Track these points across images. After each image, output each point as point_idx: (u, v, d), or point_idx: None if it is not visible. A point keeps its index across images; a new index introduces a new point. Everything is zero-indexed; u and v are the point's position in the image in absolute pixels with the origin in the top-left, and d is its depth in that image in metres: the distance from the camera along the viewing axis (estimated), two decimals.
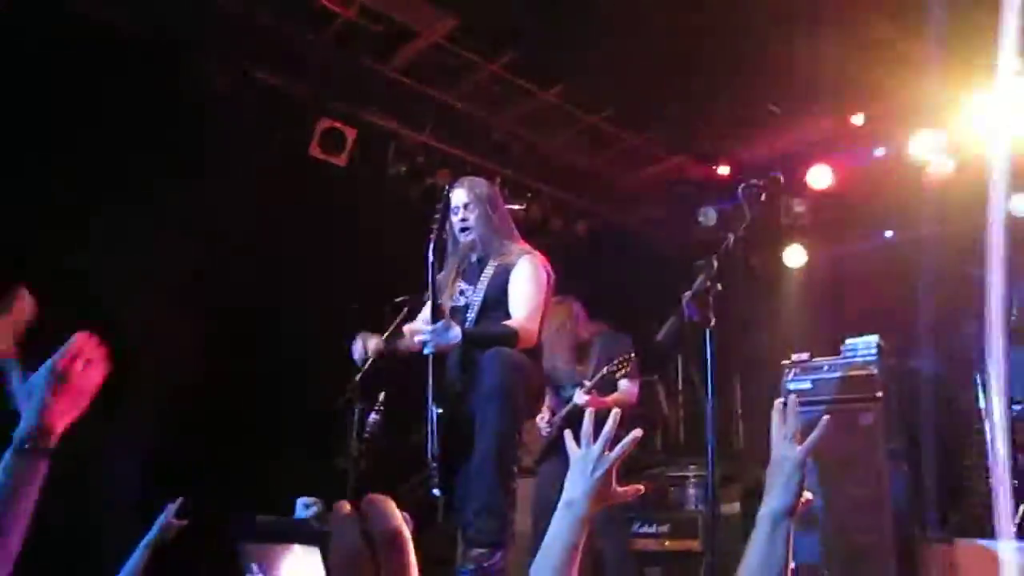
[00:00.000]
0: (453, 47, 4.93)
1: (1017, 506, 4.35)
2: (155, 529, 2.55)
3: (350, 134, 4.88)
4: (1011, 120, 4.92)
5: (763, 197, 2.37)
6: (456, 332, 2.66)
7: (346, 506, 0.85)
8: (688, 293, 2.35)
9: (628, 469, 5.28)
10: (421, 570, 0.84)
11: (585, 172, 6.26)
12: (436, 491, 2.67)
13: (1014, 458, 4.60)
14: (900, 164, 5.53)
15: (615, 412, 1.51)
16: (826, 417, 1.51)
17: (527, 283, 2.91)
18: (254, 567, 2.20)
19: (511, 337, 2.76)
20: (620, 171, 6.36)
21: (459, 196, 3.13)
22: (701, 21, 4.60)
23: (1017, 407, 4.87)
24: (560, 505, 1.52)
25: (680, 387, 6.76)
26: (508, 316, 2.90)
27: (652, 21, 4.64)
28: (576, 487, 1.50)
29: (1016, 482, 4.48)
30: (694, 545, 4.80)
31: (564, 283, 4.44)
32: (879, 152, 5.63)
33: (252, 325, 4.48)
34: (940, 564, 4.25)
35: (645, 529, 4.95)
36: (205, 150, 4.51)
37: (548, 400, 4.23)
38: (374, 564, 0.80)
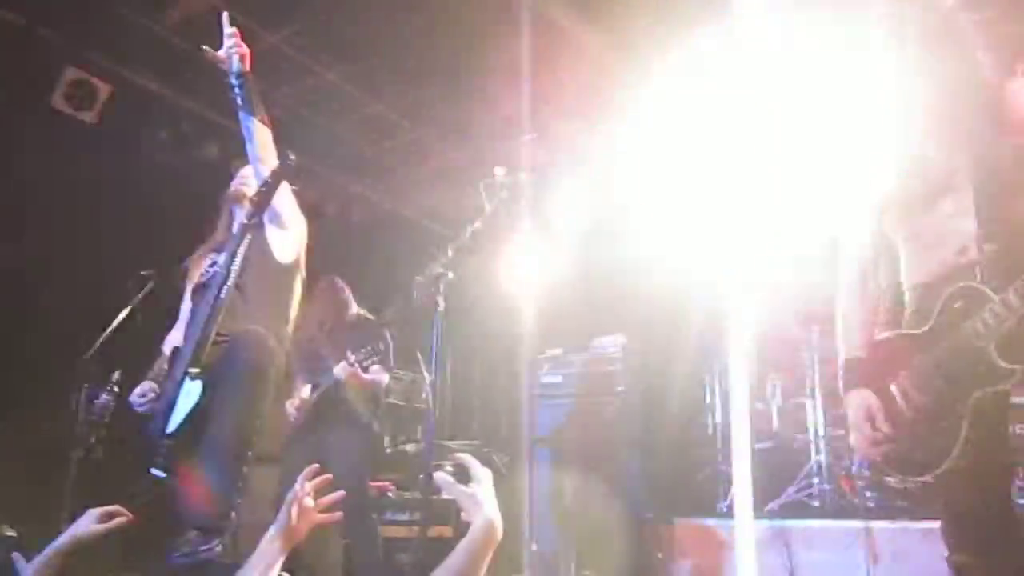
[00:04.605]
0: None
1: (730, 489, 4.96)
2: (67, 535, 2.13)
3: (103, 90, 4.44)
4: (741, 149, 5.60)
5: (504, 192, 2.51)
6: None
7: None
8: (419, 278, 2.43)
9: (388, 459, 5.28)
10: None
11: (364, 159, 6.20)
12: (158, 472, 2.52)
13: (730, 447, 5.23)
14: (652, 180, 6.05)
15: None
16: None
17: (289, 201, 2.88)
18: None
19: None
20: (400, 161, 6.38)
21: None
22: (485, 22, 4.75)
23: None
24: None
25: (448, 380, 6.92)
26: (268, 280, 2.82)
27: (437, 16, 4.70)
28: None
29: (730, 467, 5.10)
30: (446, 531, 4.93)
31: (334, 268, 4.39)
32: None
33: None
34: (664, 541, 4.71)
35: (398, 516, 5.01)
36: None
37: (298, 385, 4.15)
38: None
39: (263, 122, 2.71)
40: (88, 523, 2.12)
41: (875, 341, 1.93)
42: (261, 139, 2.71)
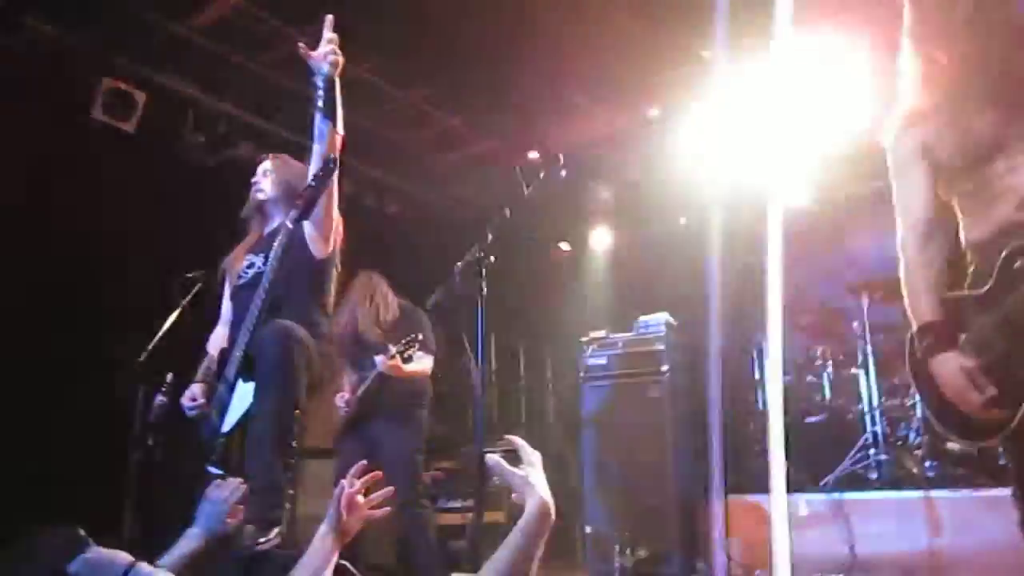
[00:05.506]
0: (258, 12, 4.71)
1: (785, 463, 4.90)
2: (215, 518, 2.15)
3: (140, 97, 4.52)
4: (782, 119, 5.48)
5: (542, 175, 2.49)
6: None
7: None
8: (460, 264, 2.42)
9: (440, 447, 5.32)
10: None
11: (398, 150, 6.21)
12: (213, 468, 2.58)
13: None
14: (692, 156, 5.96)
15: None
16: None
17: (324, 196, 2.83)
18: None
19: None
20: (432, 151, 6.39)
21: (265, 164, 3.13)
22: (514, 9, 4.71)
23: (786, 378, 5.47)
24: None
25: (494, 366, 6.94)
26: (307, 277, 2.86)
27: (466, 3, 4.68)
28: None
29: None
30: (499, 517, 4.96)
31: (372, 260, 4.42)
32: (674, 144, 6.02)
33: (22, 303, 4.06)
34: (717, 519, 4.68)
35: (452, 504, 5.07)
36: None
37: (347, 378, 4.20)
38: None
39: (337, 129, 2.72)
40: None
41: (942, 304, 1.85)
42: (331, 143, 2.73)
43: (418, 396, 4.11)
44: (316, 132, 2.73)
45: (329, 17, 2.63)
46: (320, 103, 2.66)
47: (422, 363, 4.03)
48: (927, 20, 1.87)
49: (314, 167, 2.81)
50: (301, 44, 2.61)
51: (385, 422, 3.93)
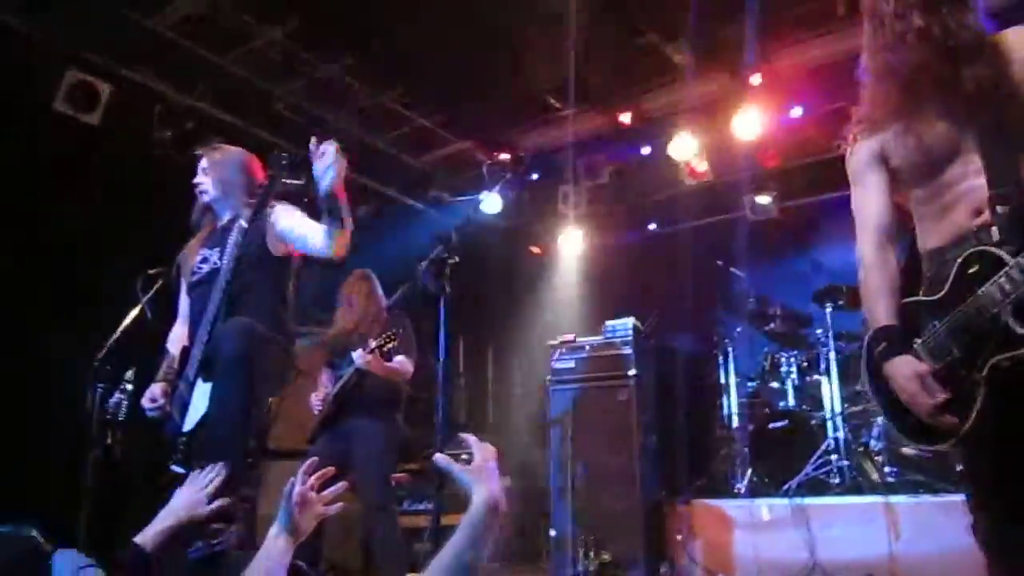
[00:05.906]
0: (229, 7, 4.66)
1: (748, 470, 4.96)
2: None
3: (104, 89, 4.44)
4: (755, 127, 5.57)
5: (508, 176, 2.49)
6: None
7: None
8: (424, 262, 2.42)
9: (407, 449, 5.24)
10: None
11: (371, 151, 6.19)
12: (178, 468, 2.54)
13: (746, 427, 5.23)
14: (663, 162, 6.02)
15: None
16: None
17: (302, 216, 2.84)
18: None
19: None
20: (406, 152, 6.36)
21: (202, 162, 3.09)
22: (489, 12, 4.72)
23: (751, 384, 5.53)
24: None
25: (461, 369, 6.92)
26: (266, 275, 2.84)
27: (441, 5, 4.68)
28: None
29: (746, 448, 5.10)
30: (460, 519, 4.94)
31: (348, 261, 4.39)
32: (646, 150, 6.07)
33: None
34: (681, 523, 4.71)
35: (416, 506, 5.03)
36: None
37: (324, 378, 4.16)
38: None
39: (346, 227, 2.69)
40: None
41: (898, 309, 1.88)
42: (340, 243, 2.71)
43: (394, 396, 4.06)
44: (325, 230, 2.68)
45: (313, 138, 2.57)
46: (327, 214, 2.63)
47: (403, 365, 3.99)
48: (883, 30, 1.90)
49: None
50: (312, 142, 2.56)
51: (359, 422, 3.88)
